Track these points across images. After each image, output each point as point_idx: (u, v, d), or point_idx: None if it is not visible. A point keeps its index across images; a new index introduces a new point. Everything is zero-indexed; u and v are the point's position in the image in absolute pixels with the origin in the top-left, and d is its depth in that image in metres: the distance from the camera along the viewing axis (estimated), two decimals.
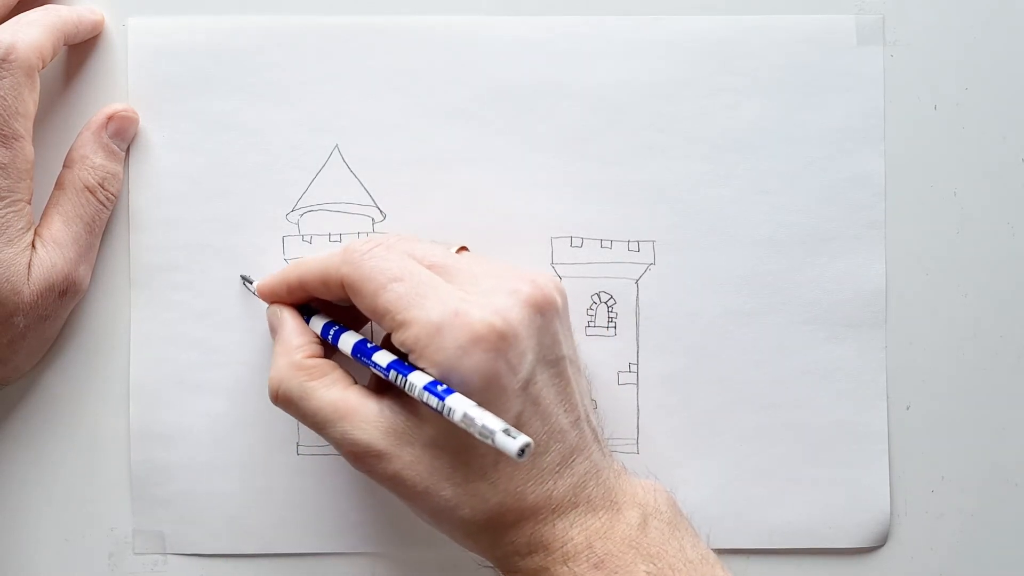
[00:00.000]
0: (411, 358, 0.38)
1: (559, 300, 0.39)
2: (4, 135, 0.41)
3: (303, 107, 0.45)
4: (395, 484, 0.38)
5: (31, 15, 0.42)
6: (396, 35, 0.45)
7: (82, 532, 0.45)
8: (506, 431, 0.34)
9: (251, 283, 0.44)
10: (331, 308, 0.43)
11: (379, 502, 0.45)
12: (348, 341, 0.40)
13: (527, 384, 0.38)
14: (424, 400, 0.36)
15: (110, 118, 0.44)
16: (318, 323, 0.42)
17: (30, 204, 0.42)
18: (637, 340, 0.46)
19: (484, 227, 0.45)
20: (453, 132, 0.45)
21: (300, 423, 0.41)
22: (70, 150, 0.44)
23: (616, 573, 0.37)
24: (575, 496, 0.38)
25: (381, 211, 0.45)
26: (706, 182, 0.45)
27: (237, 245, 0.45)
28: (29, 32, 0.41)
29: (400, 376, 0.38)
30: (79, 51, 0.45)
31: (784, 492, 0.46)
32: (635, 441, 0.46)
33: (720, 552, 0.45)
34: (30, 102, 0.41)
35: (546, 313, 0.38)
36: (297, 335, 0.41)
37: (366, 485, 0.45)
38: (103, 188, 0.44)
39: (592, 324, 0.46)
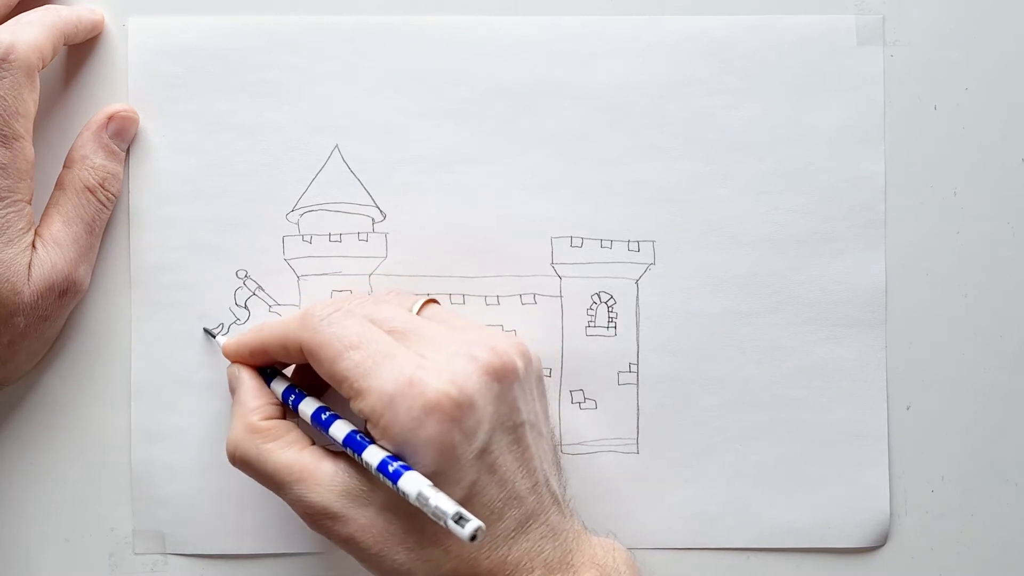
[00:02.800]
0: (368, 426, 0.38)
1: (519, 365, 0.39)
2: (4, 135, 0.41)
3: (303, 107, 0.45)
4: (350, 546, 0.38)
5: (31, 15, 0.42)
6: (396, 35, 0.45)
7: (82, 532, 0.45)
8: (457, 516, 0.34)
9: (214, 336, 0.45)
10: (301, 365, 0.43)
11: None
12: (307, 408, 0.40)
13: (483, 452, 0.38)
14: (380, 480, 0.37)
15: (110, 118, 0.44)
16: (279, 386, 0.42)
17: (30, 204, 0.42)
18: (637, 340, 0.46)
19: (484, 227, 0.45)
20: (453, 132, 0.45)
21: (260, 483, 0.40)
22: (70, 150, 0.44)
23: None
24: (531, 561, 0.38)
25: (381, 211, 0.45)
26: (706, 182, 0.45)
27: (237, 245, 0.45)
28: (29, 32, 0.41)
29: (355, 453, 0.38)
30: (79, 51, 0.45)
31: (784, 492, 0.46)
32: (635, 441, 0.46)
33: (720, 552, 0.46)
34: (30, 102, 0.41)
35: (504, 380, 0.38)
36: (254, 397, 0.41)
37: None
38: (103, 188, 0.44)
39: (592, 324, 0.46)
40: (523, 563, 0.38)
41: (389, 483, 0.36)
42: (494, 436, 0.38)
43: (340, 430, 0.39)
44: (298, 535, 0.45)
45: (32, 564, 0.45)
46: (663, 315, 0.46)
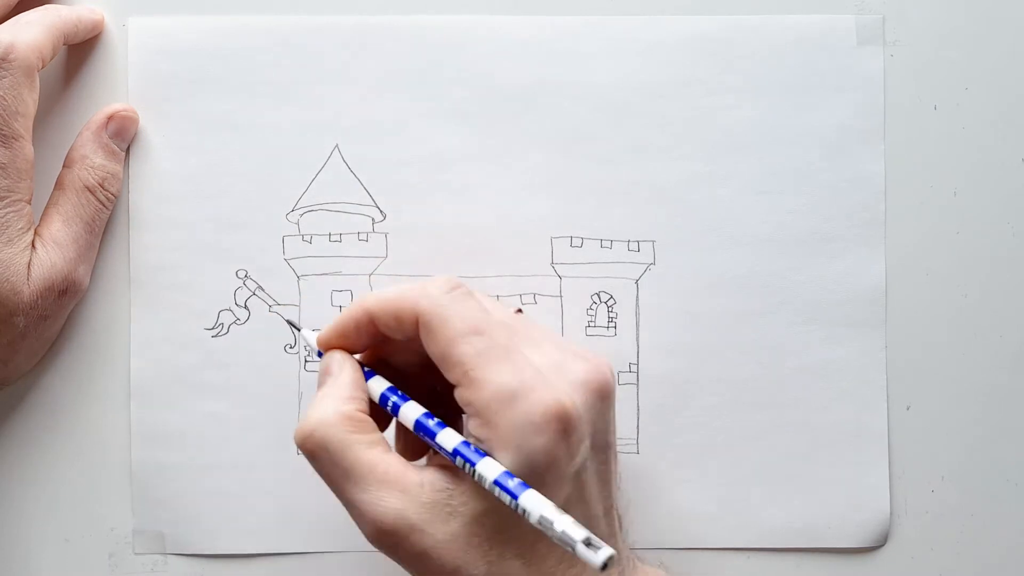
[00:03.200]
0: (470, 420, 0.36)
1: (615, 385, 0.38)
2: (4, 135, 0.41)
3: (303, 107, 0.45)
4: (421, 562, 0.36)
5: (30, 15, 0.42)
6: (396, 35, 0.45)
7: (82, 532, 0.45)
8: (587, 541, 0.33)
9: (298, 328, 0.43)
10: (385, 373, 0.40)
11: None
12: (410, 412, 0.38)
13: (578, 471, 0.37)
14: (496, 495, 0.35)
15: (110, 118, 0.44)
16: (378, 385, 0.39)
17: (30, 204, 0.42)
18: (637, 340, 0.46)
19: (484, 227, 0.45)
20: (453, 132, 0.45)
21: (322, 476, 0.37)
22: (70, 150, 0.44)
23: None
24: None
25: (381, 211, 0.45)
26: (706, 182, 0.45)
27: (237, 245, 0.45)
28: (28, 32, 0.41)
29: (467, 464, 0.36)
30: (79, 51, 0.45)
31: (784, 492, 0.46)
32: (635, 441, 0.46)
33: (721, 551, 0.45)
34: (30, 102, 0.41)
35: (605, 399, 0.38)
36: (353, 387, 0.38)
37: None
38: (103, 188, 0.44)
39: (592, 324, 0.45)
40: None
41: (507, 498, 0.34)
42: (589, 455, 0.37)
43: (450, 438, 0.36)
44: (298, 535, 0.45)
45: (32, 564, 0.45)
46: (663, 315, 0.46)
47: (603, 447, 0.38)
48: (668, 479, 0.46)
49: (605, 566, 0.32)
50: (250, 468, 0.45)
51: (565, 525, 0.33)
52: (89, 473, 0.45)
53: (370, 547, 0.46)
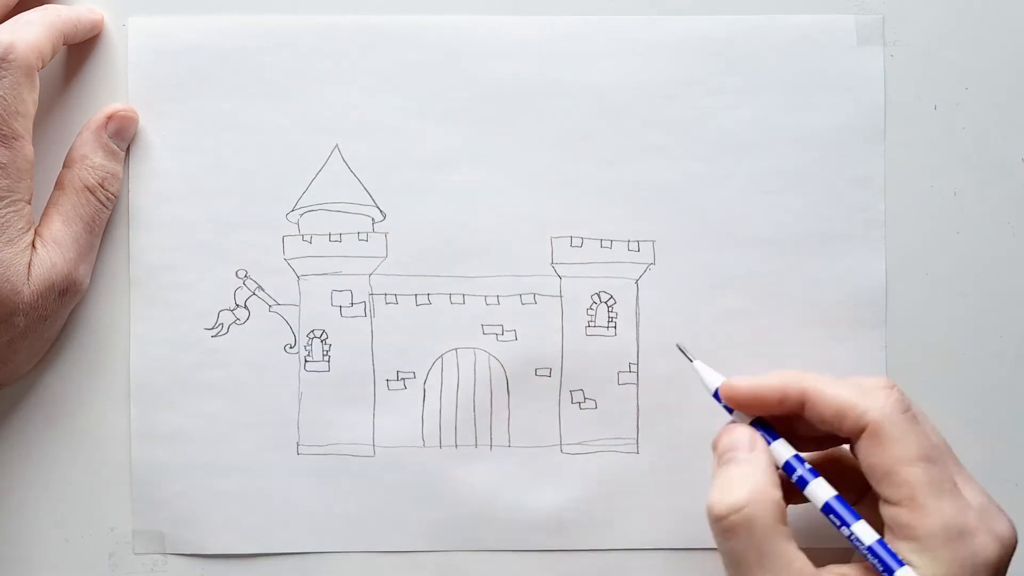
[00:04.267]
0: (902, 543, 0.36)
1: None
2: (4, 135, 0.41)
3: (303, 107, 0.45)
4: None
5: (30, 15, 0.42)
6: (395, 35, 0.45)
7: (82, 532, 0.45)
8: None
9: (691, 359, 0.41)
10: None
11: (379, 502, 0.45)
12: (821, 492, 0.37)
13: None
14: None
15: (110, 118, 0.44)
16: (785, 451, 0.38)
17: (30, 204, 0.42)
18: (637, 340, 0.46)
19: (484, 227, 0.45)
20: (453, 132, 0.45)
21: (719, 549, 0.37)
22: (70, 150, 0.44)
23: None
24: None
25: (381, 211, 0.45)
26: (706, 182, 0.45)
27: (237, 245, 0.45)
28: (28, 31, 0.41)
29: (883, 568, 0.35)
30: (79, 51, 0.45)
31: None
32: (635, 441, 0.46)
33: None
34: (30, 102, 0.41)
35: (1009, 560, 0.37)
36: (775, 473, 0.37)
37: (365, 484, 0.45)
38: (103, 188, 0.44)
39: (592, 324, 0.45)
40: None
41: None
42: None
43: (868, 532, 0.36)
44: (298, 535, 0.45)
45: (32, 564, 0.45)
46: (663, 315, 0.46)
47: None
48: (668, 479, 0.46)
49: None
50: (250, 468, 0.45)
51: None
52: (89, 473, 0.45)
53: (371, 547, 0.46)
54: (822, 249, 0.46)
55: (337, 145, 0.45)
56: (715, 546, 0.46)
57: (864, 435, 0.37)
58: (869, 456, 0.37)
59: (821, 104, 0.46)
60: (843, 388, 0.37)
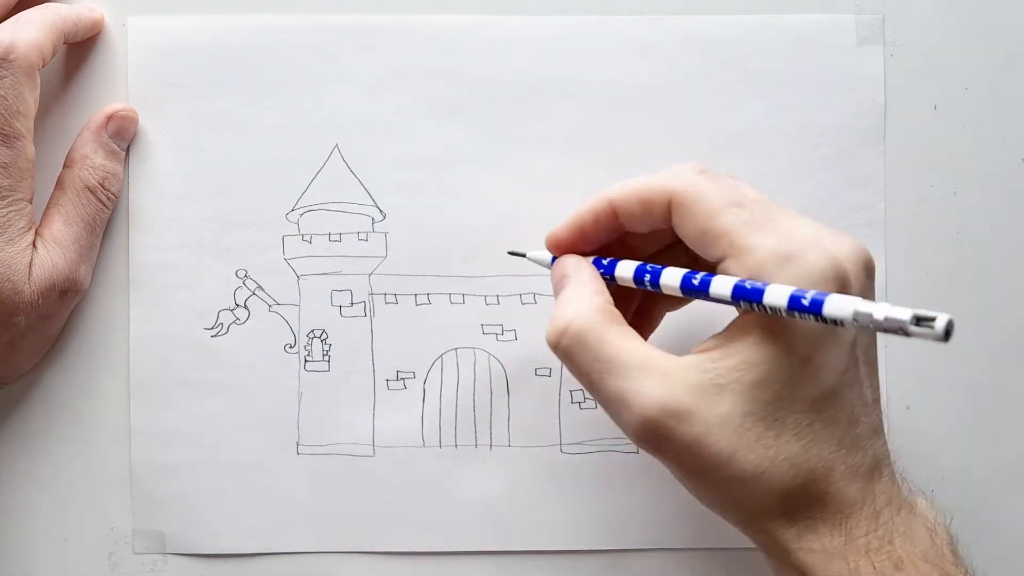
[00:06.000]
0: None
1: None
2: (5, 134, 0.41)
3: (303, 107, 0.45)
4: (692, 452, 0.34)
5: (30, 14, 0.42)
6: (396, 35, 0.45)
7: (82, 532, 0.45)
8: (915, 319, 0.30)
9: (523, 255, 0.42)
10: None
11: (379, 502, 0.45)
12: (672, 279, 0.36)
13: (853, 344, 0.35)
14: (797, 316, 0.33)
15: (110, 118, 0.44)
16: (628, 266, 0.38)
17: (31, 203, 0.42)
18: None
19: (484, 227, 0.45)
20: (453, 132, 0.45)
21: (572, 374, 0.36)
22: (70, 150, 0.44)
23: None
24: (877, 481, 0.35)
25: (381, 210, 0.45)
26: None
27: (237, 245, 0.45)
28: (29, 31, 0.41)
29: (751, 301, 0.34)
30: (79, 50, 0.45)
31: None
32: None
33: (720, 551, 0.45)
34: (30, 101, 0.41)
35: (871, 276, 0.36)
36: (598, 282, 0.37)
37: (365, 484, 0.45)
38: (103, 188, 0.44)
39: None
40: (872, 479, 0.35)
41: (811, 317, 0.32)
42: (859, 332, 0.35)
43: (725, 284, 0.34)
44: (298, 535, 0.45)
45: (32, 564, 0.45)
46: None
47: (871, 331, 0.35)
48: (668, 479, 0.45)
49: (947, 332, 0.30)
50: (250, 468, 0.45)
51: (886, 310, 0.31)
52: (89, 473, 0.45)
53: (371, 547, 0.46)
54: None
55: (337, 145, 0.45)
56: (716, 546, 0.46)
57: (672, 209, 0.36)
58: (683, 227, 0.36)
59: (821, 104, 0.46)
60: (642, 178, 0.37)
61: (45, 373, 0.45)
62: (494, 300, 0.45)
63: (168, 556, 0.45)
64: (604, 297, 0.37)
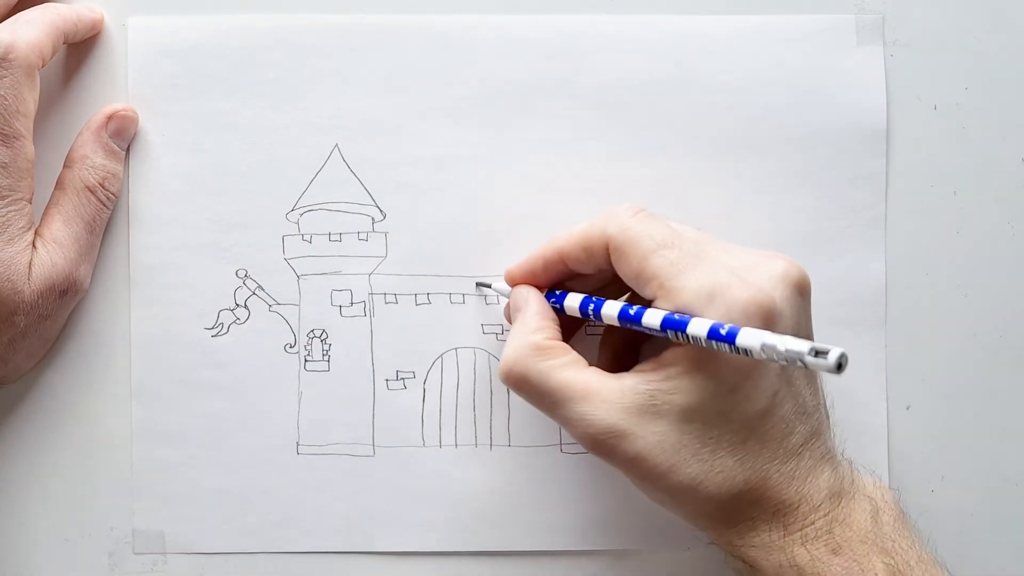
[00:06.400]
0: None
1: (810, 282, 0.39)
2: (5, 134, 0.41)
3: (303, 107, 0.45)
4: (635, 465, 0.37)
5: (30, 13, 0.42)
6: (396, 35, 0.45)
7: (82, 532, 0.45)
8: (814, 352, 0.33)
9: (489, 285, 0.45)
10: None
11: (379, 502, 0.45)
12: (611, 308, 0.39)
13: (784, 367, 0.38)
14: (714, 346, 0.36)
15: (110, 117, 0.44)
16: (575, 299, 0.41)
17: (31, 203, 0.42)
18: None
19: (484, 227, 0.45)
20: (453, 132, 0.45)
21: (533, 404, 0.40)
22: (70, 150, 0.44)
23: (855, 562, 0.37)
24: (816, 479, 0.38)
25: (381, 210, 0.45)
26: (706, 182, 0.45)
27: (237, 245, 0.45)
28: (28, 31, 0.41)
29: (677, 332, 0.36)
30: (79, 50, 0.45)
31: None
32: None
33: (721, 551, 0.45)
34: (30, 101, 0.41)
35: (805, 294, 0.38)
36: (539, 317, 0.40)
37: (365, 484, 0.45)
38: (103, 188, 0.44)
39: (592, 324, 0.45)
40: (809, 479, 0.38)
41: (726, 346, 0.35)
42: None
43: (655, 316, 0.37)
44: (298, 535, 0.45)
45: (32, 564, 0.45)
46: None
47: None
48: None
49: (840, 366, 0.32)
50: (250, 468, 0.45)
51: (787, 343, 0.33)
52: (89, 472, 0.45)
53: (371, 547, 0.46)
54: (822, 249, 0.46)
55: (337, 145, 0.45)
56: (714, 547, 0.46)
57: (611, 252, 0.39)
58: (621, 269, 0.39)
59: (821, 104, 0.46)
60: (583, 226, 0.40)
61: (45, 373, 0.45)
62: (494, 300, 0.45)
63: (168, 556, 0.45)
64: (544, 333, 0.40)
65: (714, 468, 0.37)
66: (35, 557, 0.45)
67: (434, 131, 0.45)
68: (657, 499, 0.39)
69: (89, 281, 0.45)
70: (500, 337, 0.45)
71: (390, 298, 0.45)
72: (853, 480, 0.39)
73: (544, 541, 0.45)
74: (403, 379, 0.45)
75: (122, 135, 0.44)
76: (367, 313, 0.45)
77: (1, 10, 0.43)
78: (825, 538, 0.37)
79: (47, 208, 0.44)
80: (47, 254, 0.42)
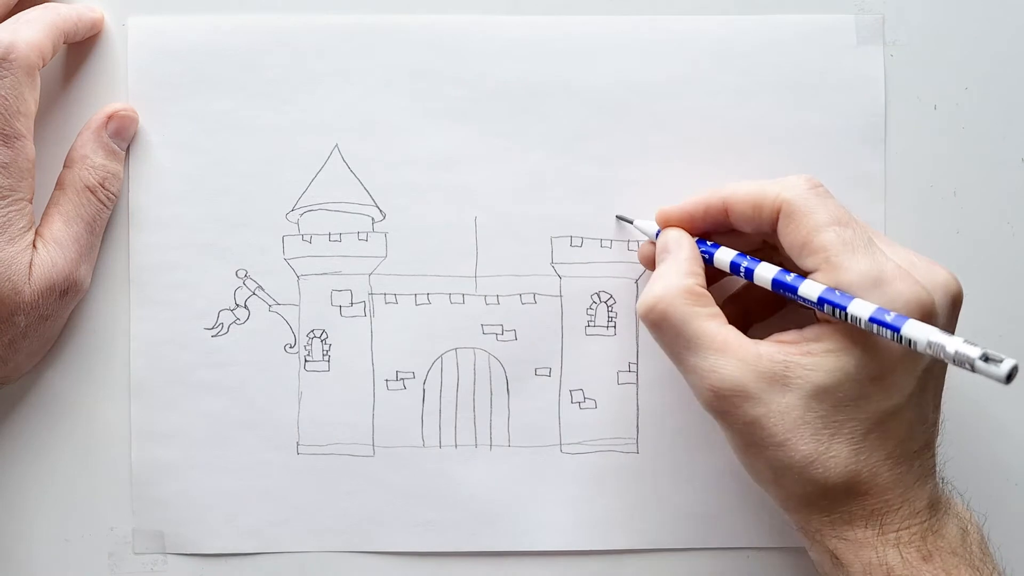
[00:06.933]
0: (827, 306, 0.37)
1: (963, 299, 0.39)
2: (5, 134, 0.41)
3: (303, 107, 0.45)
4: (750, 430, 0.37)
5: (30, 13, 0.42)
6: (396, 35, 0.45)
7: (82, 532, 0.45)
8: (984, 357, 0.32)
9: (631, 221, 0.44)
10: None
11: (379, 502, 0.45)
12: (766, 271, 0.39)
13: (926, 370, 0.38)
14: (874, 330, 0.35)
15: (110, 117, 0.44)
16: (726, 255, 0.41)
17: (31, 203, 0.42)
18: (637, 340, 0.46)
19: (484, 227, 0.45)
20: (453, 132, 0.45)
21: (663, 345, 0.40)
22: (70, 150, 0.44)
23: (945, 572, 0.37)
24: (920, 488, 0.38)
25: (381, 210, 0.45)
26: (706, 182, 0.45)
27: (237, 245, 0.45)
28: (29, 31, 0.41)
29: (836, 308, 0.36)
30: (79, 50, 0.45)
31: None
32: (635, 441, 0.46)
33: (720, 551, 0.45)
34: (31, 101, 0.41)
35: (957, 308, 0.39)
36: (692, 262, 0.40)
37: (365, 484, 0.45)
38: (103, 188, 0.44)
39: (592, 324, 0.45)
40: (915, 486, 0.38)
41: (888, 333, 0.35)
42: (935, 360, 0.38)
43: (813, 288, 0.37)
44: (298, 535, 0.45)
45: (32, 564, 0.45)
46: None
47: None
48: (668, 479, 0.46)
49: (1010, 377, 0.32)
50: (250, 468, 0.45)
51: (958, 345, 0.33)
52: (89, 472, 0.45)
53: (371, 546, 0.46)
54: None
55: (337, 145, 0.45)
56: (715, 546, 0.46)
57: (780, 216, 0.39)
58: (787, 235, 0.39)
59: (821, 104, 0.46)
60: (756, 183, 0.40)
61: (45, 373, 0.45)
62: (494, 300, 0.45)
63: (168, 556, 0.45)
64: (696, 279, 0.40)
65: (829, 452, 0.37)
66: (35, 557, 0.45)
67: (434, 131, 0.45)
68: (756, 469, 0.39)
69: (89, 281, 0.45)
70: (500, 337, 0.45)
71: (390, 298, 0.46)
72: (948, 498, 0.40)
73: (544, 541, 0.45)
74: (403, 379, 0.45)
75: (122, 135, 0.44)
76: (367, 313, 0.45)
77: (1, 10, 0.43)
78: (917, 544, 0.37)
79: (47, 208, 0.44)
80: (47, 254, 0.42)
